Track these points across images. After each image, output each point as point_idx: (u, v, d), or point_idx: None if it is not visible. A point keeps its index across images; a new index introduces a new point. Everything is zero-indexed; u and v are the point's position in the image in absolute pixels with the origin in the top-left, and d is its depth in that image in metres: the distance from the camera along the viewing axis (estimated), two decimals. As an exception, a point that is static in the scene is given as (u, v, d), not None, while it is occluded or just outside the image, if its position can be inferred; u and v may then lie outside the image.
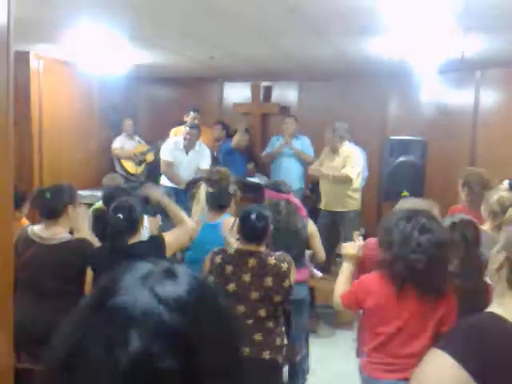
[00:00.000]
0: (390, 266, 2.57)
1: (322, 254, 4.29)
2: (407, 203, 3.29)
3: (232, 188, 4.31)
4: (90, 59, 6.71)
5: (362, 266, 3.10)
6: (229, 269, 3.11)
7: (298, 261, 4.14)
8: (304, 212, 4.22)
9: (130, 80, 8.27)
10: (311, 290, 4.76)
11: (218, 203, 4.02)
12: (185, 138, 6.54)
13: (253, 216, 3.13)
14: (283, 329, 3.24)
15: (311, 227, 4.25)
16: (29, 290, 3.14)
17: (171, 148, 6.57)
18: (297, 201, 4.25)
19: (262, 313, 3.08)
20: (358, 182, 6.28)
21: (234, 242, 3.39)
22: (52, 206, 3.27)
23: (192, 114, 7.22)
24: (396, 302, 2.55)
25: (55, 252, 3.18)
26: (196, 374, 0.70)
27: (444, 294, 2.56)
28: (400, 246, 2.53)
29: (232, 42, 5.60)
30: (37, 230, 3.30)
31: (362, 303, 2.69)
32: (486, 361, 1.43)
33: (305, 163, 7.03)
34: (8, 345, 2.20)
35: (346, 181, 6.15)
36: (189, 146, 6.57)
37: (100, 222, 3.97)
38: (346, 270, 2.97)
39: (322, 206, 6.40)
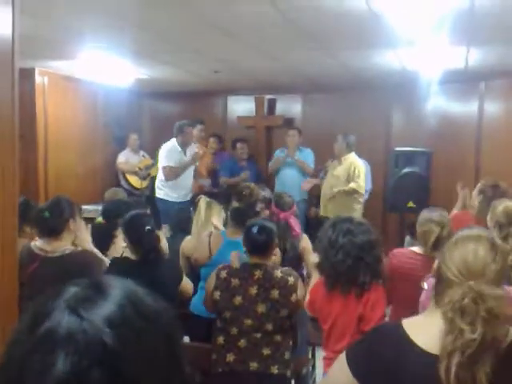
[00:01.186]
0: (321, 269, 2.86)
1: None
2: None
3: (259, 206, 4.25)
4: (94, 75, 6.77)
5: (391, 275, 3.18)
6: (235, 282, 3.10)
7: None
8: (297, 230, 4.19)
9: (134, 95, 8.31)
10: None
11: (242, 219, 3.82)
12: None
13: (254, 229, 3.13)
14: (290, 343, 3.20)
15: (304, 243, 4.21)
16: None
17: (172, 153, 6.58)
18: (292, 219, 4.21)
19: (270, 327, 3.05)
20: (360, 196, 6.28)
21: None
22: (52, 225, 3.25)
23: (199, 126, 7.34)
24: (327, 302, 2.80)
25: (60, 264, 3.17)
26: None
27: (365, 292, 2.73)
28: (326, 250, 2.79)
29: (236, 57, 5.62)
30: (39, 244, 3.29)
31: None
32: (371, 371, 1.44)
33: (308, 175, 7.05)
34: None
35: (353, 193, 6.16)
36: (187, 144, 6.66)
37: (96, 236, 3.96)
38: (313, 278, 3.09)
39: (321, 212, 6.41)
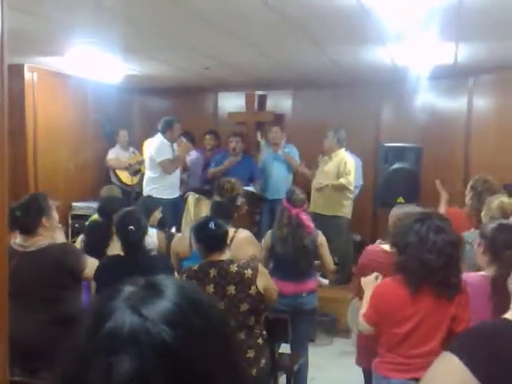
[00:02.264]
0: (405, 267, 2.64)
1: (330, 263, 4.33)
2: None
3: (240, 200, 4.27)
4: (83, 71, 6.74)
5: (361, 273, 3.14)
6: None
7: (308, 273, 4.21)
8: (311, 227, 4.19)
9: (124, 91, 8.28)
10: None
11: (223, 213, 3.90)
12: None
13: (211, 224, 3.11)
14: (259, 340, 3.14)
15: (321, 238, 4.25)
16: (18, 300, 3.13)
17: (164, 148, 6.53)
18: (304, 215, 4.20)
19: (231, 323, 3.03)
20: (350, 192, 6.29)
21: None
22: (23, 223, 3.27)
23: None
24: (410, 303, 2.60)
25: (37, 257, 3.18)
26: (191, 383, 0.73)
27: (458, 293, 2.60)
28: (416, 247, 2.60)
29: (227, 53, 5.62)
30: (18, 240, 3.31)
31: (381, 313, 2.72)
32: (497, 369, 1.40)
33: (292, 170, 7.07)
34: (4, 359, 2.18)
35: (343, 189, 6.17)
36: (174, 140, 6.63)
37: (94, 233, 3.96)
38: (366, 297, 2.93)
39: (311, 208, 6.37)
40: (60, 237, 3.62)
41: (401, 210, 3.43)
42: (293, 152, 7.14)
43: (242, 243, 3.86)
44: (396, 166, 6.76)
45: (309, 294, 4.19)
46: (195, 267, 3.14)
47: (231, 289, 3.02)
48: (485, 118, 6.64)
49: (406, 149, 6.84)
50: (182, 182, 7.02)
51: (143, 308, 0.75)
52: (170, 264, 3.44)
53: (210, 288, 3.03)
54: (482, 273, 2.87)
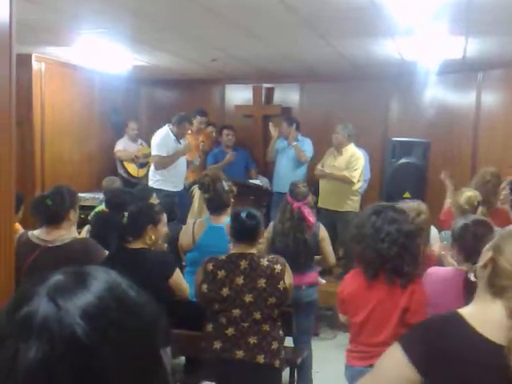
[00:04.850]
0: (362, 257, 2.77)
1: (331, 258, 4.33)
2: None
3: (226, 184, 4.23)
4: (91, 61, 6.73)
5: None
6: (221, 274, 3.08)
7: (308, 266, 4.20)
8: (312, 221, 4.18)
9: (132, 82, 8.27)
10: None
11: (217, 205, 3.97)
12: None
13: (243, 214, 3.13)
14: (281, 332, 3.21)
15: (322, 232, 4.24)
16: None
17: (166, 141, 6.55)
18: (306, 209, 4.19)
19: (258, 315, 3.06)
20: (358, 185, 6.27)
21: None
22: (54, 213, 3.26)
23: (199, 118, 7.37)
24: (365, 293, 2.73)
25: (60, 253, 3.17)
26: (100, 380, 0.72)
27: (411, 282, 2.68)
28: (372, 238, 2.72)
29: (234, 45, 5.60)
30: (37, 233, 3.29)
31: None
32: (436, 364, 1.43)
33: (306, 165, 7.04)
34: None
35: (345, 182, 6.15)
36: (179, 136, 6.64)
37: (100, 225, 3.97)
38: None
39: (319, 203, 6.37)
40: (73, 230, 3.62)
41: (405, 205, 3.43)
42: (304, 145, 7.11)
43: None
44: (403, 160, 6.74)
45: (308, 287, 4.18)
46: (222, 257, 3.15)
47: (261, 282, 3.04)
48: (493, 113, 6.60)
49: (414, 143, 6.82)
50: None
51: (61, 297, 0.74)
52: (171, 260, 3.43)
53: (240, 279, 3.05)
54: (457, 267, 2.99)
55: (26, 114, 6.32)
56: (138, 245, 3.26)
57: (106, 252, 3.40)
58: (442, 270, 3.08)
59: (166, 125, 6.66)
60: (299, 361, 4.05)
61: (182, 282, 3.40)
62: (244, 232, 3.15)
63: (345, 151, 6.29)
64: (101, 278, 0.80)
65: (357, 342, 2.79)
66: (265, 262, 3.09)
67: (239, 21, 4.48)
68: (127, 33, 5.02)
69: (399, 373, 1.46)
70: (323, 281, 4.63)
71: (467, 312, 1.50)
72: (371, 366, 2.42)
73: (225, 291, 3.06)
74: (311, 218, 4.17)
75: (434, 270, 3.02)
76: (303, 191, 4.22)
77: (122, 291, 0.80)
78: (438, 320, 1.61)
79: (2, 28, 2.08)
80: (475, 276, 1.66)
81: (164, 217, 3.41)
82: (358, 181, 6.21)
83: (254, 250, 3.16)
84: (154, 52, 6.09)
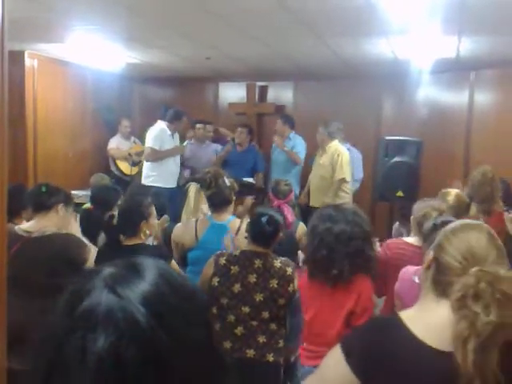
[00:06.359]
0: (312, 258, 2.80)
1: None
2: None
3: (227, 181, 4.22)
4: (84, 58, 6.71)
5: (385, 270, 3.12)
6: (234, 269, 3.09)
7: None
8: (290, 219, 4.16)
9: (125, 79, 8.26)
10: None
11: (220, 202, 3.89)
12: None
13: (263, 219, 3.12)
14: (285, 331, 3.22)
15: (301, 231, 4.19)
16: (17, 286, 3.11)
17: (163, 136, 6.53)
18: (286, 207, 4.20)
19: (266, 315, 3.07)
20: (346, 176, 6.29)
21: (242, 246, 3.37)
22: (43, 199, 3.27)
23: (208, 127, 7.41)
24: (308, 291, 2.80)
25: (36, 245, 3.15)
26: (165, 363, 0.75)
27: (354, 285, 2.68)
28: (307, 237, 2.80)
29: (228, 43, 5.59)
30: (25, 226, 3.29)
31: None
32: (371, 366, 1.42)
33: (299, 166, 7.03)
34: (2, 346, 2.19)
35: (343, 182, 6.20)
36: (180, 132, 6.71)
37: (86, 222, 3.95)
38: None
39: (311, 202, 6.42)
40: (74, 227, 3.60)
41: (425, 204, 3.36)
42: (297, 144, 7.10)
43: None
44: (396, 159, 6.74)
45: None
46: (236, 253, 3.16)
47: (273, 282, 3.05)
48: (486, 112, 6.62)
49: (407, 142, 6.82)
50: None
51: (120, 287, 0.77)
52: (165, 253, 3.43)
53: (253, 277, 3.06)
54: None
55: (18, 111, 6.30)
56: (133, 241, 3.25)
57: (94, 248, 3.38)
58: (411, 268, 3.04)
59: (160, 121, 6.64)
60: (293, 359, 4.05)
61: (179, 271, 3.41)
62: (262, 237, 3.14)
63: (328, 148, 6.38)
64: (151, 267, 0.84)
65: (307, 340, 2.83)
66: (278, 263, 3.10)
67: (233, 19, 4.48)
68: (121, 30, 5.01)
69: (339, 374, 1.46)
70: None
71: (408, 316, 1.49)
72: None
73: (236, 287, 3.06)
74: (290, 216, 4.18)
75: (405, 269, 2.94)
76: (284, 189, 4.26)
77: (173, 278, 0.84)
78: (378, 324, 1.62)
79: (-5, 24, 2.06)
80: (419, 278, 1.66)
81: (153, 209, 3.41)
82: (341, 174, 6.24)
83: (269, 251, 3.16)
84: (148, 49, 6.08)
